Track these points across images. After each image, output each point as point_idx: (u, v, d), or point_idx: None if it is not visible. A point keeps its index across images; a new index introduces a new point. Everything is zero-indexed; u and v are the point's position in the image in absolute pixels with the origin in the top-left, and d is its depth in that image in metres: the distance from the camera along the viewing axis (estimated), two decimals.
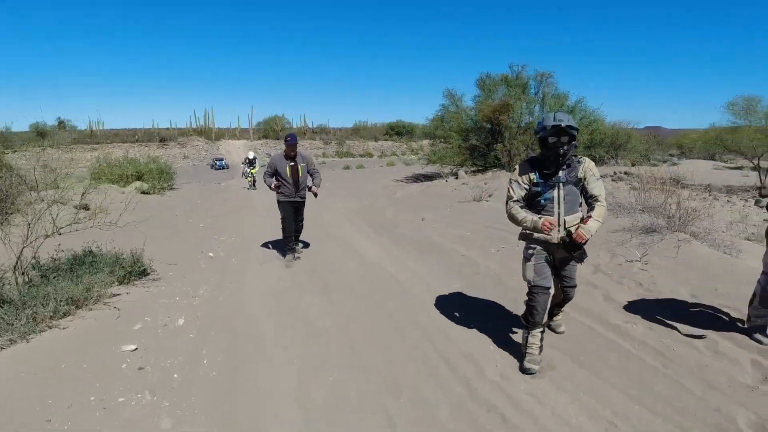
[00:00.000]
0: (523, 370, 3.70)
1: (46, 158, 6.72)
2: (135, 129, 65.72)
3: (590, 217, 3.57)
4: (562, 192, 3.56)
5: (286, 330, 4.67)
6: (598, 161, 24.83)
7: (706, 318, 4.49)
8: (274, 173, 7.15)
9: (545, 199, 3.58)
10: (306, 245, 8.13)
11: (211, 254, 7.64)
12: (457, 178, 19.16)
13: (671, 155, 46.14)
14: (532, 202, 3.67)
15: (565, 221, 3.59)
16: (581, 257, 3.63)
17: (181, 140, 58.66)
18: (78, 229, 5.59)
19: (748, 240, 7.39)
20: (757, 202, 13.65)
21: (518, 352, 4.02)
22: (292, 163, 7.09)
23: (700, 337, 4.06)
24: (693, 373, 3.59)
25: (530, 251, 3.78)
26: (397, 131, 73.08)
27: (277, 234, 7.66)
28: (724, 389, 3.36)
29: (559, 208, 3.58)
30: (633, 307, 4.84)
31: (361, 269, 6.70)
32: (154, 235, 8.54)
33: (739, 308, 4.62)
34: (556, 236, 3.60)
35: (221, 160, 46.69)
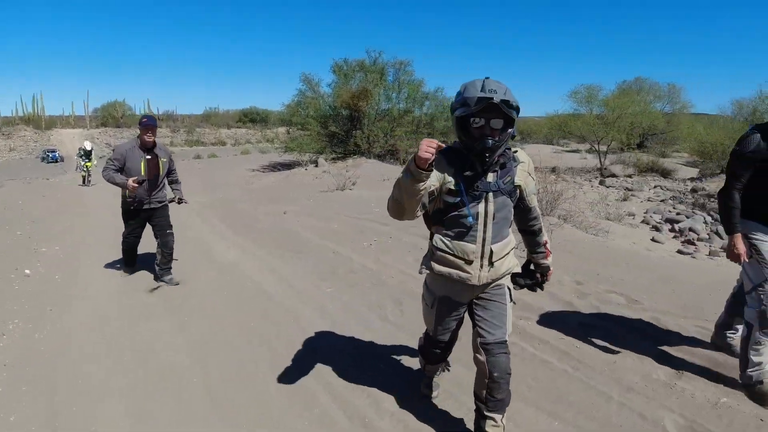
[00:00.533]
0: (422, 395, 3.08)
1: None
2: None
3: (545, 244, 2.61)
4: (491, 207, 2.27)
5: (127, 375, 3.49)
6: None
7: (600, 308, 4.29)
8: (122, 169, 5.16)
9: (467, 217, 2.25)
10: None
11: (27, 272, 5.87)
12: (317, 166, 18.41)
13: (513, 140, 49.96)
14: (446, 219, 2.33)
15: (491, 252, 2.32)
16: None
17: (5, 131, 50.10)
18: None
19: (609, 220, 7.65)
20: (601, 182, 14.79)
21: (411, 365, 3.42)
22: (150, 157, 5.23)
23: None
24: (604, 374, 3.26)
25: (432, 297, 2.52)
26: (251, 118, 70.15)
27: (117, 239, 6.04)
28: (641, 390, 3.05)
29: (485, 232, 2.29)
30: (521, 300, 4.49)
31: (218, 279, 5.59)
32: None
33: (626, 293, 4.51)
34: (477, 275, 2.33)
35: (54, 151, 40.88)
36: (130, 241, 5.54)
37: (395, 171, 14.03)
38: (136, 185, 5.06)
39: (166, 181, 5.53)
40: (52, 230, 8.52)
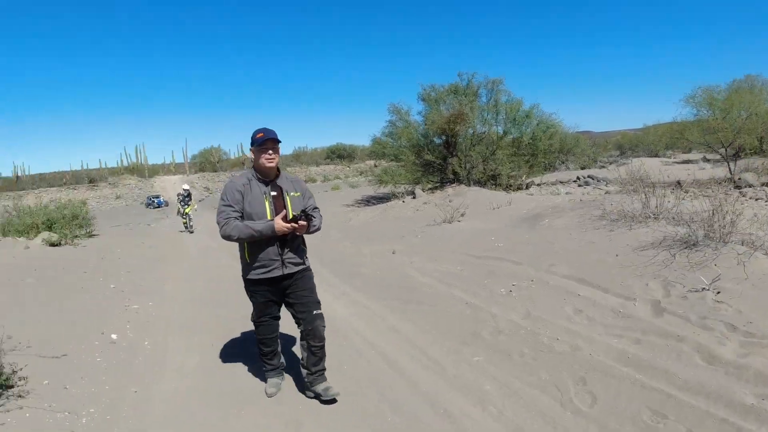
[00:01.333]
0: None
1: None
2: (63, 171, 61.22)
3: None
4: None
5: None
6: (549, 168, 23.88)
7: None
8: (242, 215, 3.34)
9: None
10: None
11: (114, 336, 5.08)
12: (414, 197, 17.44)
13: (612, 156, 46.78)
14: None
15: None
16: None
17: (112, 180, 54.82)
18: None
19: None
20: (742, 194, 12.64)
21: None
22: (275, 193, 3.40)
23: None
24: None
25: None
26: (338, 154, 71.70)
27: (220, 296, 5.12)
28: None
29: None
30: (754, 368, 3.10)
31: (332, 344, 4.50)
32: (41, 306, 6.05)
33: None
34: None
35: (158, 197, 43.96)
36: (266, 327, 3.60)
37: (503, 198, 12.69)
38: (288, 226, 3.22)
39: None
40: (145, 282, 7.98)
